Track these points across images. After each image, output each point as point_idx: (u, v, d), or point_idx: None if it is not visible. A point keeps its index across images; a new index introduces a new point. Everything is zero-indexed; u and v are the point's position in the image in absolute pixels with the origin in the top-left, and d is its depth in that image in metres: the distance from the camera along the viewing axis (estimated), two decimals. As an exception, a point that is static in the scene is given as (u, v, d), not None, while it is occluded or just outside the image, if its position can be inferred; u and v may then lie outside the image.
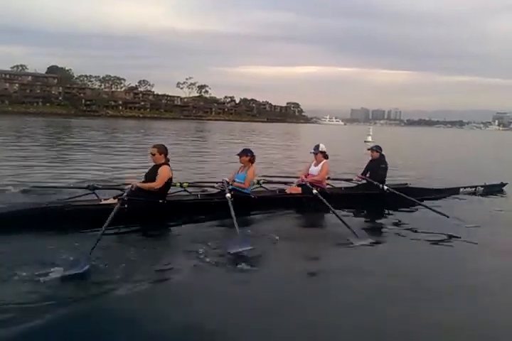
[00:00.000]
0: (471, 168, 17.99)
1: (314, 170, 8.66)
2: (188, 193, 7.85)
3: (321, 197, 7.56)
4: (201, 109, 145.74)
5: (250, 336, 3.72)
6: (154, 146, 7.03)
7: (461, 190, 10.61)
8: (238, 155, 7.93)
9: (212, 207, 7.30)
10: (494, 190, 11.13)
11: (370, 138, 33.65)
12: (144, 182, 6.85)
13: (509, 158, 27.04)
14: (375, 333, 3.80)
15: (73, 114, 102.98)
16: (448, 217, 7.51)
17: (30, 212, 6.09)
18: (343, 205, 7.90)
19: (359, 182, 9.38)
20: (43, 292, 4.04)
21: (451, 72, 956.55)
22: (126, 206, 6.19)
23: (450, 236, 6.72)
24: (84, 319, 3.73)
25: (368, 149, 9.69)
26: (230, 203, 6.68)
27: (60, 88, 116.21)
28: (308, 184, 8.19)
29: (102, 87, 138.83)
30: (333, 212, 7.05)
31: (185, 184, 7.83)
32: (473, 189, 10.79)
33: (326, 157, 8.70)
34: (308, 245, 6.17)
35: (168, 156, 7.01)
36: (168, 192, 7.03)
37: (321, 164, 8.58)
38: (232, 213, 6.31)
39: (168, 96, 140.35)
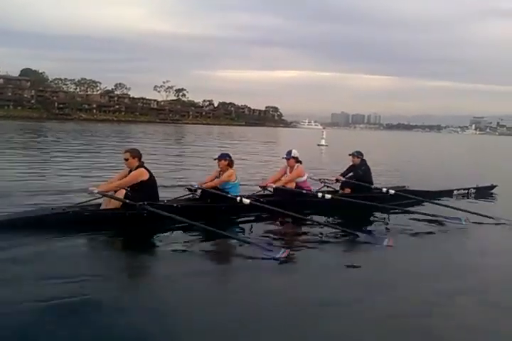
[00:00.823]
0: (448, 171, 18.04)
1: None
2: (196, 197, 7.79)
3: (332, 197, 8.31)
4: (178, 112, 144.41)
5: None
6: (126, 151, 6.93)
7: (455, 192, 11.02)
8: (216, 159, 7.95)
9: (223, 211, 7.55)
10: (485, 191, 11.59)
11: (323, 142, 32.94)
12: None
13: (483, 161, 27.53)
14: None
15: (45, 117, 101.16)
16: (493, 218, 7.97)
17: (40, 218, 6.19)
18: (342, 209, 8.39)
19: (333, 183, 9.61)
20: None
21: (431, 78, 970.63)
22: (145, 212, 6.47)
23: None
24: (85, 317, 3.80)
25: (349, 154, 9.86)
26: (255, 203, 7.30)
27: (33, 91, 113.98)
28: (299, 189, 8.43)
29: (78, 90, 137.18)
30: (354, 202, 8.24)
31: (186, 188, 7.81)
32: (466, 191, 11.24)
33: (298, 161, 8.80)
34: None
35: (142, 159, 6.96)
36: (156, 195, 6.99)
37: (294, 168, 8.73)
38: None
39: (144, 99, 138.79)
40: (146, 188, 6.76)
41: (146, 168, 6.87)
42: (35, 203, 7.62)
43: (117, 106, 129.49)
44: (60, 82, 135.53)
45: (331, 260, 5.73)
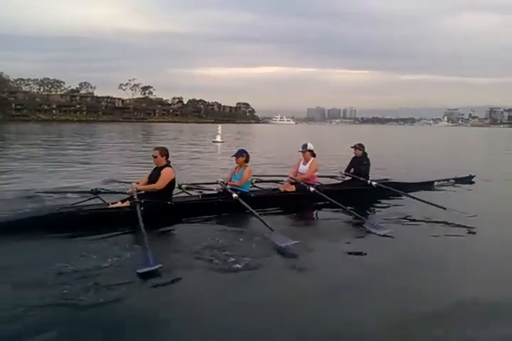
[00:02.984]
0: (398, 163, 17.92)
1: (303, 168, 9.08)
2: (188, 195, 8.01)
3: (321, 194, 8.21)
4: (143, 110, 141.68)
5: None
6: (156, 149, 7.21)
7: (436, 183, 11.36)
8: (234, 156, 8.24)
9: (216, 206, 7.60)
10: (464, 181, 12.05)
11: (218, 138, 30.31)
12: (147, 184, 7.13)
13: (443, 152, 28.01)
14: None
15: (0, 119, 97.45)
16: (445, 209, 7.94)
17: (45, 217, 6.23)
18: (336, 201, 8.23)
19: (344, 179, 9.92)
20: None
21: (407, 71, 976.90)
22: (142, 209, 6.35)
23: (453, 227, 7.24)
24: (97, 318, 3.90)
25: (352, 147, 10.14)
26: (242, 202, 7.18)
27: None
28: (301, 183, 8.61)
29: (42, 90, 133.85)
30: (340, 206, 7.69)
31: (183, 186, 7.95)
32: (446, 181, 11.62)
33: (313, 155, 9.09)
34: (315, 240, 6.36)
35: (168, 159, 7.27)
36: (172, 193, 7.26)
37: (309, 162, 8.98)
38: (253, 211, 6.85)
39: (108, 98, 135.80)
40: (171, 186, 7.15)
41: (171, 168, 7.18)
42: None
43: (78, 106, 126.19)
44: (22, 82, 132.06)
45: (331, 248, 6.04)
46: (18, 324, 3.70)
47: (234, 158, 8.27)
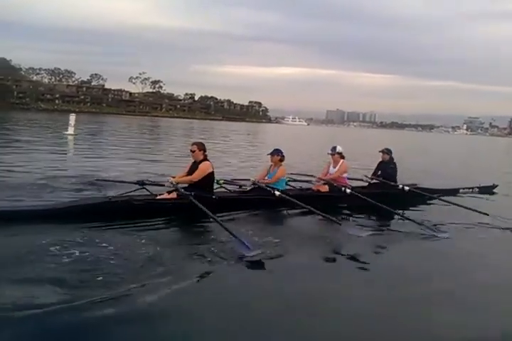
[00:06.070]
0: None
1: (333, 171, 9.18)
2: (226, 190, 8.22)
3: (358, 194, 8.42)
4: (149, 104, 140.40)
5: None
6: (194, 143, 7.49)
7: (461, 190, 11.53)
8: (269, 154, 8.42)
9: (257, 202, 7.82)
10: (487, 190, 12.14)
11: (70, 131, 26.64)
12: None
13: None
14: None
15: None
16: (488, 214, 8.23)
17: (97, 206, 6.52)
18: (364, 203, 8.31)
19: (370, 182, 9.96)
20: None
21: (430, 77, 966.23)
22: (195, 200, 6.52)
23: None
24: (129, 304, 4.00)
25: (380, 151, 10.30)
26: (285, 197, 7.60)
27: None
28: (335, 184, 8.79)
29: (53, 80, 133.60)
30: (376, 204, 7.91)
31: (221, 181, 8.14)
32: (470, 190, 11.80)
33: (342, 157, 9.19)
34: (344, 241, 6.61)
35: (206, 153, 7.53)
36: (213, 188, 7.50)
37: (338, 164, 9.11)
38: (302, 204, 7.28)
39: (115, 90, 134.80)
40: (210, 180, 7.35)
41: (209, 161, 7.38)
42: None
43: (83, 97, 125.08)
44: (32, 71, 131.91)
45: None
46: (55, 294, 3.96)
47: (269, 156, 8.45)
